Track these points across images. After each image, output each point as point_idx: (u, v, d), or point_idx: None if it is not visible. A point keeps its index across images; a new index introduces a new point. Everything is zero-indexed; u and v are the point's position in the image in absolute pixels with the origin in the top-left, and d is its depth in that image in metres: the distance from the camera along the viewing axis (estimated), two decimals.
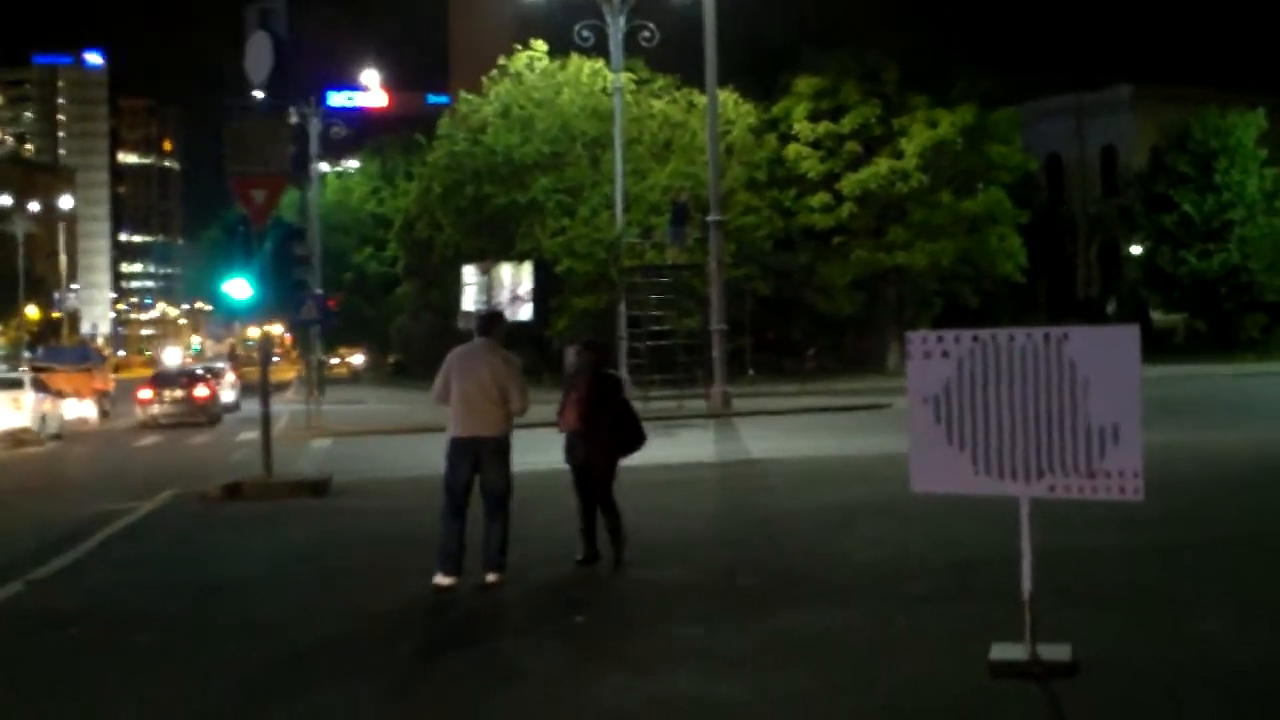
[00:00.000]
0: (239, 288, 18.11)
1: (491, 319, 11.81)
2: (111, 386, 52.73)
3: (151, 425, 41.30)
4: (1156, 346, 60.87)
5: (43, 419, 36.48)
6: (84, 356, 53.54)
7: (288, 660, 9.01)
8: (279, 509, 16.96)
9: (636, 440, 12.00)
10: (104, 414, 46.01)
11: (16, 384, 37.68)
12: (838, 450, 23.65)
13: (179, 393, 43.37)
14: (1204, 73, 78.15)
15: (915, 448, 8.33)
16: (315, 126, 65.94)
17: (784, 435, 28.63)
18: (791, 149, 58.82)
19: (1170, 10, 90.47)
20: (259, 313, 18.95)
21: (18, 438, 34.92)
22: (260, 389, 19.58)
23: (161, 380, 45.87)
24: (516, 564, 11.35)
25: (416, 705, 7.86)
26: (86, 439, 38.10)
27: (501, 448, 11.13)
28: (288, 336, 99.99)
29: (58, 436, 36.92)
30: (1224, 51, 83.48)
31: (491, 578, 11.00)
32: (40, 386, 38.09)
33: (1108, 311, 68.21)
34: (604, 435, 11.71)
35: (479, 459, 11.02)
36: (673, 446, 26.34)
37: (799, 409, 37.72)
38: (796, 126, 58.98)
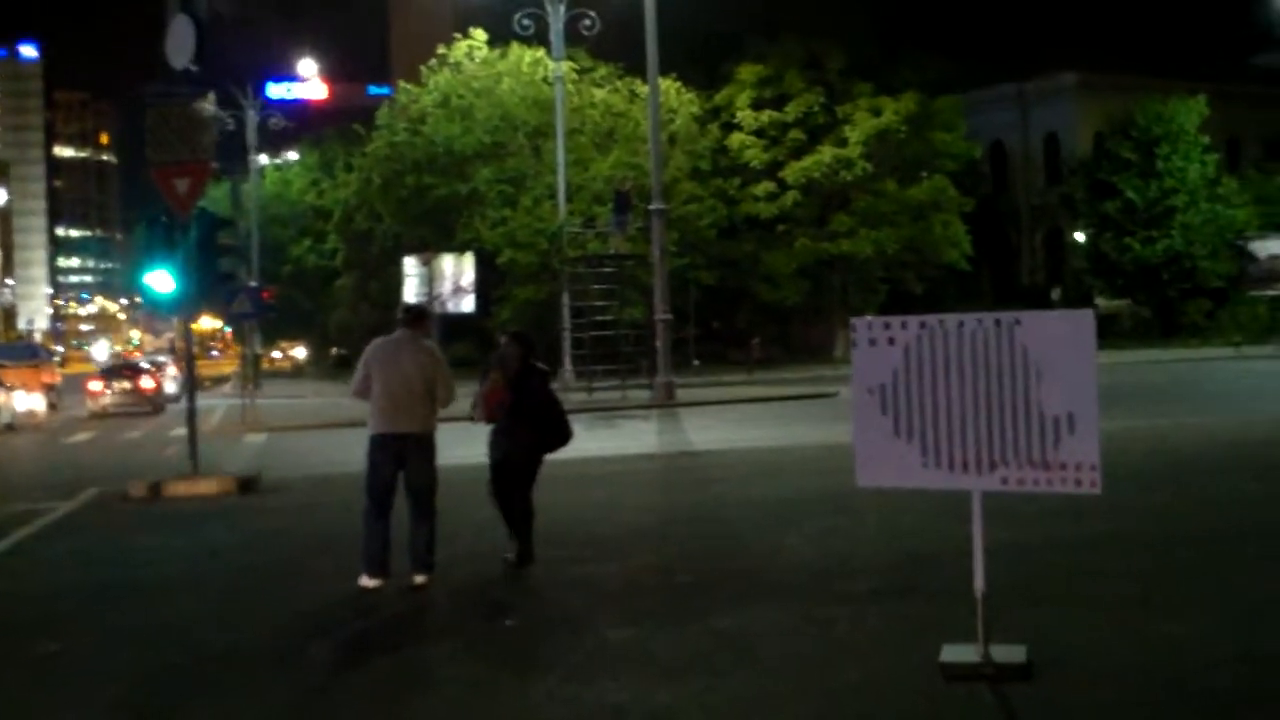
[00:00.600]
0: (161, 280, 17.44)
1: (419, 311, 11.28)
2: (59, 380, 55.00)
3: (101, 414, 43.55)
4: (1101, 333, 60.85)
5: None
6: (33, 353, 56.17)
7: (196, 665, 8.48)
8: (204, 507, 16.36)
9: (562, 437, 11.49)
10: (52, 406, 47.37)
11: None
12: (783, 441, 23.24)
13: (126, 384, 46.09)
14: (1146, 61, 78.52)
15: (860, 439, 7.88)
16: (252, 118, 65.05)
17: (728, 426, 28.20)
18: (735, 137, 58.52)
19: (1113, 0, 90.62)
20: (184, 306, 18.26)
21: None
22: (186, 384, 18.94)
23: (110, 373, 48.94)
24: (445, 564, 10.85)
25: (329, 713, 7.36)
26: (36, 429, 39.36)
27: (426, 443, 10.62)
28: (228, 331, 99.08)
29: (10, 427, 38.15)
30: (1166, 39, 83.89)
31: (419, 579, 10.50)
32: None
33: (1053, 298, 68.31)
34: (527, 431, 11.20)
35: (403, 456, 10.50)
36: (614, 438, 25.95)
37: (744, 399, 37.38)
38: (740, 115, 58.69)
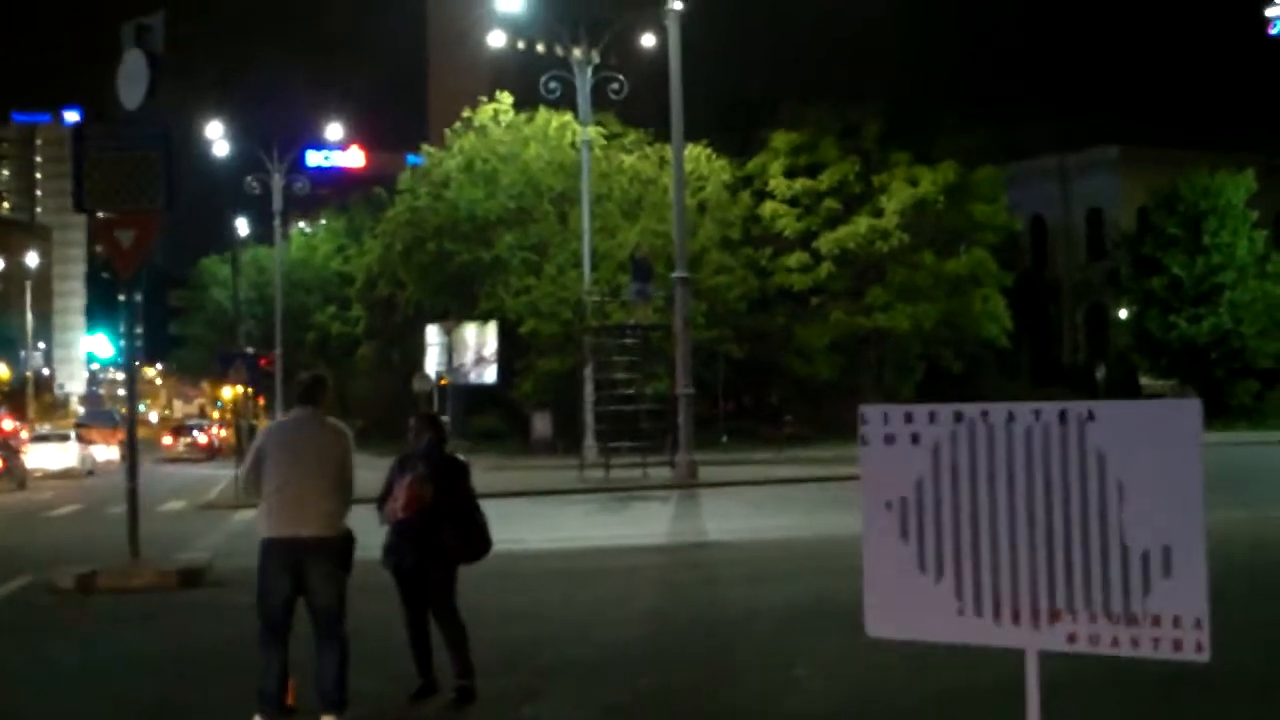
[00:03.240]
0: (99, 344, 15.58)
1: (314, 384, 9.17)
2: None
3: (174, 459, 64.14)
4: None
5: (83, 460, 52.64)
6: (111, 418, 74.96)
7: None
8: (128, 606, 14.30)
9: (483, 545, 9.46)
10: (123, 457, 55.98)
11: (64, 438, 55.87)
12: (806, 530, 21.10)
13: (188, 438, 71.62)
14: (1191, 134, 76.38)
15: (872, 572, 5.83)
16: (278, 181, 63.70)
17: (750, 511, 26.06)
18: (767, 206, 56.61)
19: (1156, 72, 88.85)
20: (126, 368, 16.29)
21: (68, 473, 49.82)
22: (128, 455, 16.95)
23: (177, 431, 76.50)
24: (365, 697, 8.79)
25: None
26: (110, 473, 49.56)
27: (333, 552, 8.53)
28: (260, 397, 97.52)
29: (90, 473, 50.96)
30: (1211, 113, 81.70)
31: (329, 719, 8.42)
32: (81, 439, 55.82)
33: (1096, 378, 66.00)
34: (444, 535, 9.16)
35: (303, 566, 8.43)
36: (623, 523, 23.92)
37: (771, 479, 35.18)
38: (772, 183, 56.77)
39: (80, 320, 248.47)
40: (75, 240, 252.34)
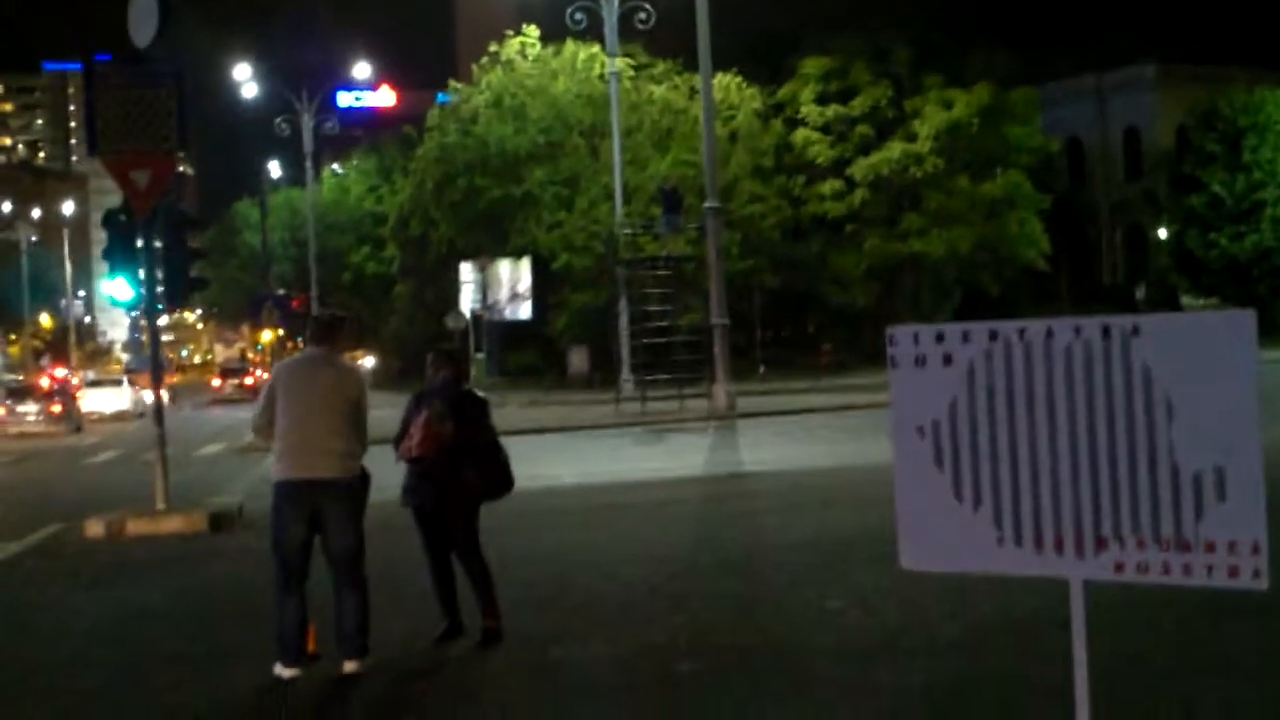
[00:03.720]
0: (118, 288, 15.30)
1: (332, 323, 8.87)
2: (176, 381, 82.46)
3: (221, 401, 63.39)
4: None
5: (135, 404, 54.55)
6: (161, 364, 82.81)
7: None
8: (159, 551, 14.14)
9: (505, 482, 9.17)
10: (171, 400, 59.21)
11: (117, 383, 60.41)
12: (844, 459, 20.76)
13: (235, 380, 69.08)
14: (1229, 50, 75.04)
15: (905, 503, 5.50)
16: (307, 122, 63.31)
17: (788, 440, 25.73)
18: (799, 134, 55.93)
19: None
20: (147, 312, 16.04)
21: (120, 416, 52.70)
22: (154, 400, 16.71)
23: (226, 373, 76.68)
24: (383, 644, 8.56)
25: None
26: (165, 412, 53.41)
27: (348, 492, 8.25)
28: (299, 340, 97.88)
29: (142, 415, 49.94)
30: (1249, 28, 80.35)
31: (350, 666, 8.18)
32: (132, 384, 58.25)
33: (1137, 298, 65.24)
34: (465, 473, 8.88)
35: (318, 510, 8.16)
36: (658, 456, 23.66)
37: (809, 408, 34.75)
38: (804, 110, 56.06)
39: None
40: (111, 188, 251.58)
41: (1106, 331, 5.05)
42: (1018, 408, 5.20)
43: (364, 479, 8.38)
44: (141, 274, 15.32)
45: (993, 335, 5.26)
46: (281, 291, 42.99)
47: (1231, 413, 4.85)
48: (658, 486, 18.35)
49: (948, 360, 5.33)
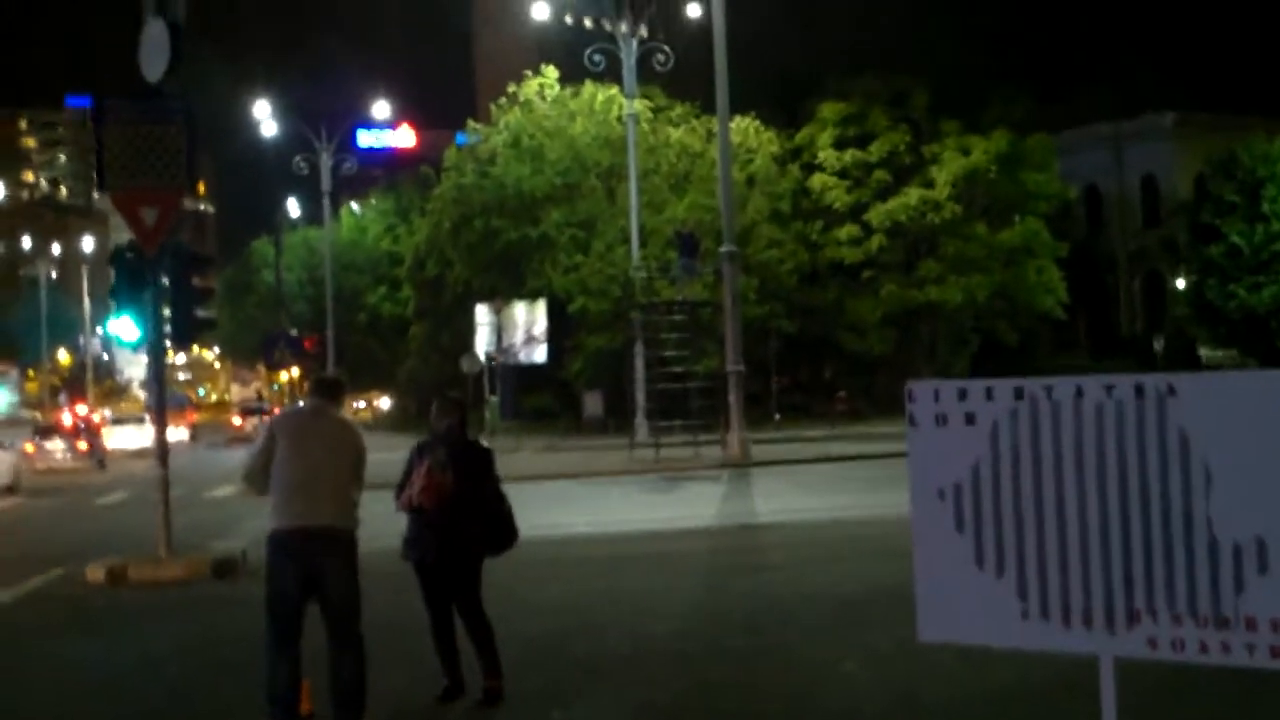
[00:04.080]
0: (124, 327, 15.05)
1: (335, 384, 8.66)
2: (196, 420, 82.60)
3: (240, 440, 57.47)
4: None
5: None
6: (181, 402, 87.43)
7: None
8: (158, 599, 13.84)
9: (508, 536, 8.87)
10: (192, 438, 66.26)
11: (140, 420, 56.85)
12: (862, 510, 20.36)
13: (256, 419, 60.95)
14: (1246, 100, 74.77)
15: (924, 571, 5.21)
16: (326, 161, 63.29)
17: (803, 490, 25.37)
18: (817, 179, 55.70)
19: (1209, 37, 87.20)
20: (152, 352, 15.76)
21: (143, 453, 46.69)
22: (157, 445, 16.41)
23: (247, 412, 71.37)
24: (385, 701, 8.24)
25: None
26: (181, 452, 53.39)
27: (346, 545, 8.00)
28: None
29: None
30: (1266, 78, 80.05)
31: None
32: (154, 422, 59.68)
33: (1155, 349, 64.69)
34: (467, 526, 8.58)
35: (314, 562, 7.86)
36: (670, 505, 23.30)
37: (825, 457, 34.39)
38: (821, 155, 55.84)
39: None
40: None
41: (1140, 391, 4.77)
42: (1045, 471, 4.92)
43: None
44: (152, 312, 15.01)
45: (1019, 393, 4.97)
46: (294, 332, 42.77)
47: (1273, 480, 4.55)
48: (669, 537, 18.01)
49: (970, 419, 5.05)
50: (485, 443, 8.92)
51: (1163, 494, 4.71)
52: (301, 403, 8.60)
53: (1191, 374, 4.85)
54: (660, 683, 8.95)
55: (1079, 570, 4.86)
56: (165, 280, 15.09)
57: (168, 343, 15.55)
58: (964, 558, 5.05)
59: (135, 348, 15.88)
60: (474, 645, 8.71)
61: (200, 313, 17.20)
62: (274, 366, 31.56)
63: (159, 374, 16.15)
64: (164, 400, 16.47)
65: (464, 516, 8.52)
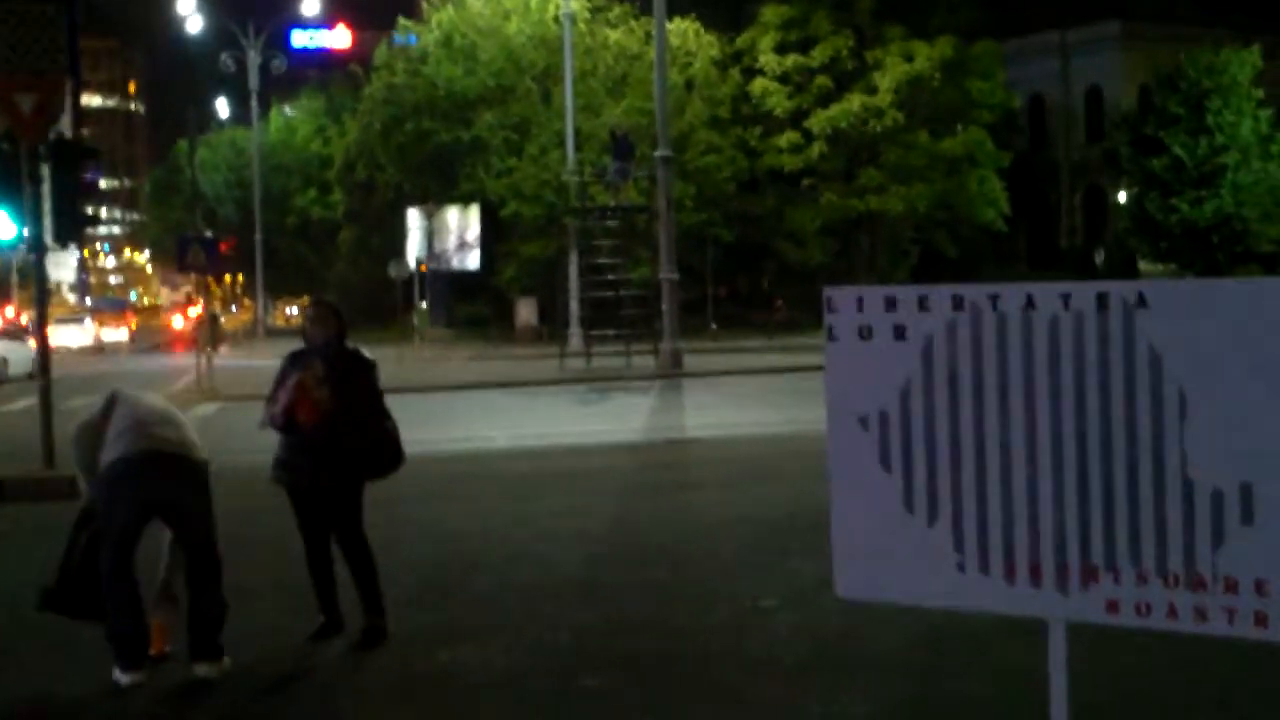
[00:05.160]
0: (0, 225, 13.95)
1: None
2: (135, 322, 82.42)
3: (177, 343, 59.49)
4: None
5: (97, 340, 61.39)
6: (119, 305, 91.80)
7: None
8: (34, 516, 12.89)
9: (394, 457, 8.01)
10: (132, 339, 68.70)
11: (79, 320, 65.65)
12: (792, 425, 19.67)
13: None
14: (1195, 10, 74.04)
15: (843, 516, 4.39)
16: (254, 59, 61.66)
17: (733, 403, 24.65)
18: (757, 84, 54.50)
19: None
20: (32, 252, 14.68)
21: (84, 349, 55.98)
22: (39, 357, 15.37)
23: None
24: (246, 638, 7.40)
25: None
26: (118, 351, 58.88)
27: (202, 472, 7.13)
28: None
29: (100, 349, 58.00)
30: None
31: (203, 669, 7.02)
32: (96, 322, 66.06)
33: (1096, 262, 64.38)
34: (351, 447, 7.71)
35: (164, 488, 6.98)
36: (597, 418, 22.51)
37: (760, 368, 33.76)
38: (762, 59, 54.59)
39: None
40: (61, 124, 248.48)
41: (1103, 301, 3.94)
42: (988, 397, 4.10)
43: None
44: (31, 208, 13.89)
45: (958, 303, 4.13)
46: (209, 233, 41.42)
47: (1263, 411, 3.75)
48: (593, 453, 17.20)
49: (900, 333, 4.21)
50: (368, 353, 7.99)
51: (1128, 427, 3.91)
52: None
53: (1167, 280, 4.03)
54: (564, 620, 8.14)
55: (1026, 517, 4.06)
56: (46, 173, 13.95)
57: (46, 242, 14.38)
58: (890, 500, 4.23)
59: (12, 246, 14.78)
60: (353, 578, 7.86)
61: (90, 210, 16.15)
62: (186, 269, 30.29)
63: (40, 276, 15.06)
64: (44, 303, 15.33)
65: (343, 435, 7.63)
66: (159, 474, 6.93)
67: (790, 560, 9.62)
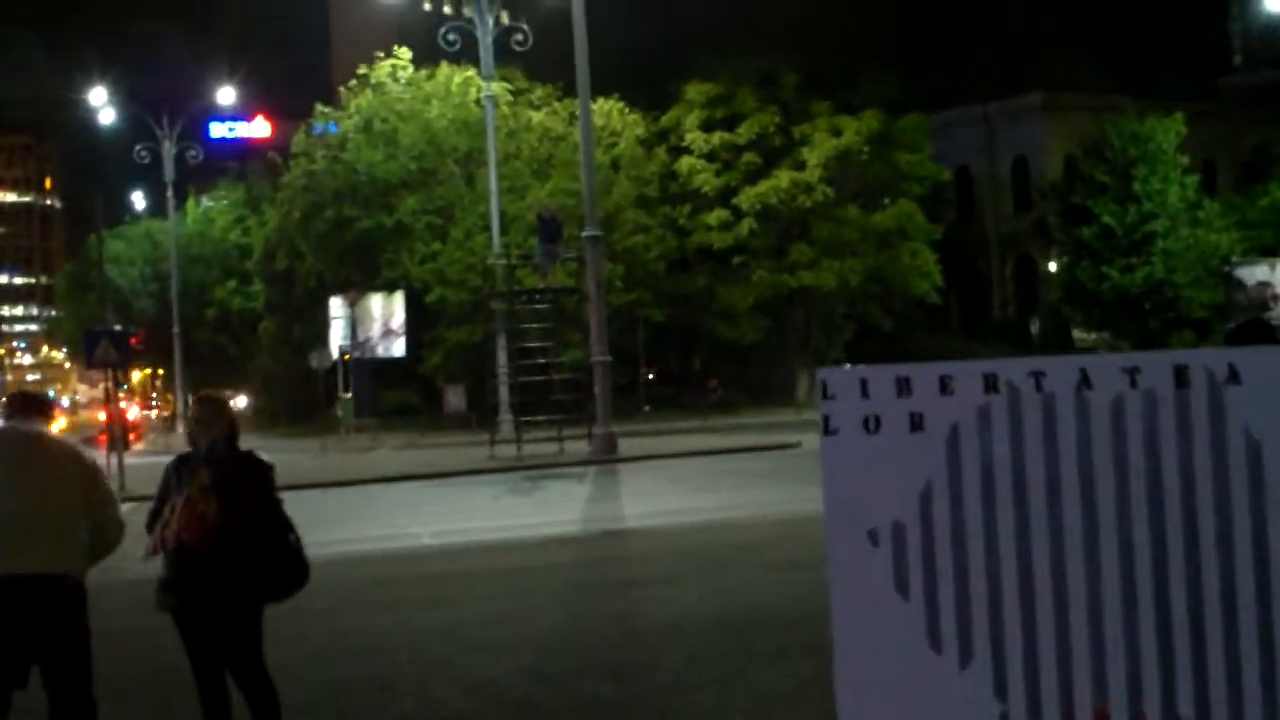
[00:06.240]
0: None
1: (31, 400, 6.77)
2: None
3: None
4: None
5: None
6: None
7: None
8: None
9: (297, 575, 6.94)
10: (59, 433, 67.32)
11: None
12: (736, 510, 18.76)
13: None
14: (1115, 80, 74.70)
15: (848, 652, 3.43)
16: (169, 150, 60.52)
17: (674, 488, 23.63)
18: (684, 162, 54.10)
19: (1077, 17, 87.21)
20: None
21: None
22: None
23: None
24: None
25: None
26: None
27: (71, 593, 6.12)
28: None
29: None
30: (1133, 59, 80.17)
31: None
32: None
33: (1031, 331, 64.18)
34: (245, 565, 6.65)
35: (30, 615, 5.93)
36: (529, 508, 21.49)
37: (697, 450, 32.83)
38: (689, 137, 54.25)
39: None
40: None
41: (1182, 376, 3.02)
42: (1034, 502, 3.17)
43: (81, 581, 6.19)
44: None
45: (991, 383, 3.20)
46: (117, 328, 40.17)
47: None
48: (527, 548, 16.15)
49: (917, 423, 3.28)
50: (265, 456, 6.96)
51: (1220, 537, 2.99)
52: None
53: (1264, 349, 3.13)
54: None
55: (1088, 656, 3.12)
56: None
57: None
58: (911, 636, 3.28)
59: None
60: (250, 711, 6.79)
61: None
62: (95, 365, 29.11)
63: None
64: None
65: (237, 552, 6.57)
66: (12, 602, 5.88)
67: (753, 668, 8.62)
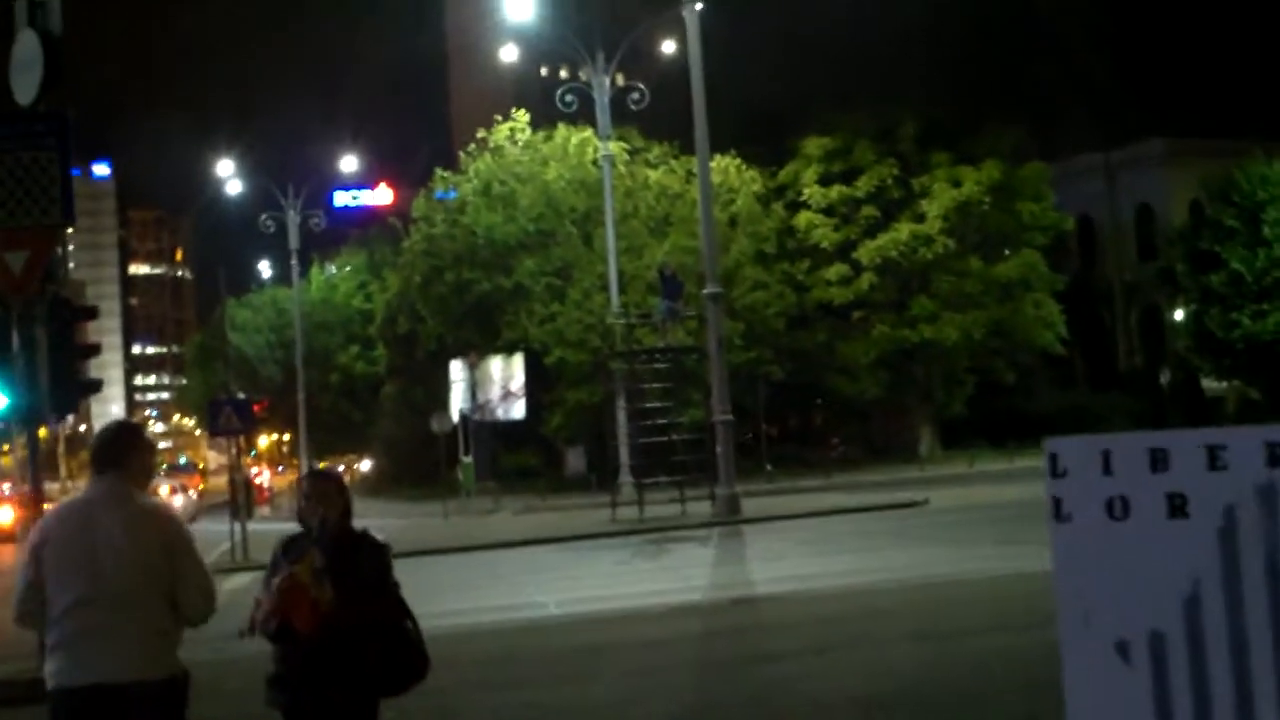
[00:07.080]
0: None
1: (117, 439, 5.81)
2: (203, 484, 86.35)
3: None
4: (1207, 418, 55.54)
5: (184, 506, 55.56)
6: (190, 468, 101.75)
7: None
8: None
9: (419, 665, 6.35)
10: (200, 499, 68.33)
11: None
12: (870, 574, 18.01)
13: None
14: (1236, 123, 73.13)
15: None
16: (293, 219, 61.19)
17: (802, 550, 22.91)
18: (802, 217, 53.54)
19: (1196, 61, 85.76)
20: (26, 419, 13.21)
21: None
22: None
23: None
24: None
25: None
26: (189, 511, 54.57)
27: (161, 701, 5.50)
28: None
29: (194, 518, 52.22)
30: (1255, 100, 78.57)
31: None
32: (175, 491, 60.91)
33: (1161, 382, 62.55)
34: (361, 656, 6.08)
35: None
36: (654, 575, 20.85)
37: (821, 510, 32.03)
38: (807, 192, 53.69)
39: (116, 375, 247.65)
40: (109, 294, 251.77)
41: None
42: None
43: (185, 677, 5.62)
44: (24, 375, 12.46)
45: (1275, 453, 2.55)
46: (241, 395, 40.29)
47: None
48: (655, 619, 15.47)
49: (1179, 507, 2.62)
50: (381, 537, 6.43)
51: None
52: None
53: None
54: None
55: None
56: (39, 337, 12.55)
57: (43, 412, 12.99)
58: None
59: (5, 418, 13.40)
60: None
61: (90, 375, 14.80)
62: (219, 433, 29.11)
63: (33, 447, 13.66)
64: (38, 474, 13.79)
65: (351, 643, 6.03)
66: (103, 711, 5.34)
67: None
